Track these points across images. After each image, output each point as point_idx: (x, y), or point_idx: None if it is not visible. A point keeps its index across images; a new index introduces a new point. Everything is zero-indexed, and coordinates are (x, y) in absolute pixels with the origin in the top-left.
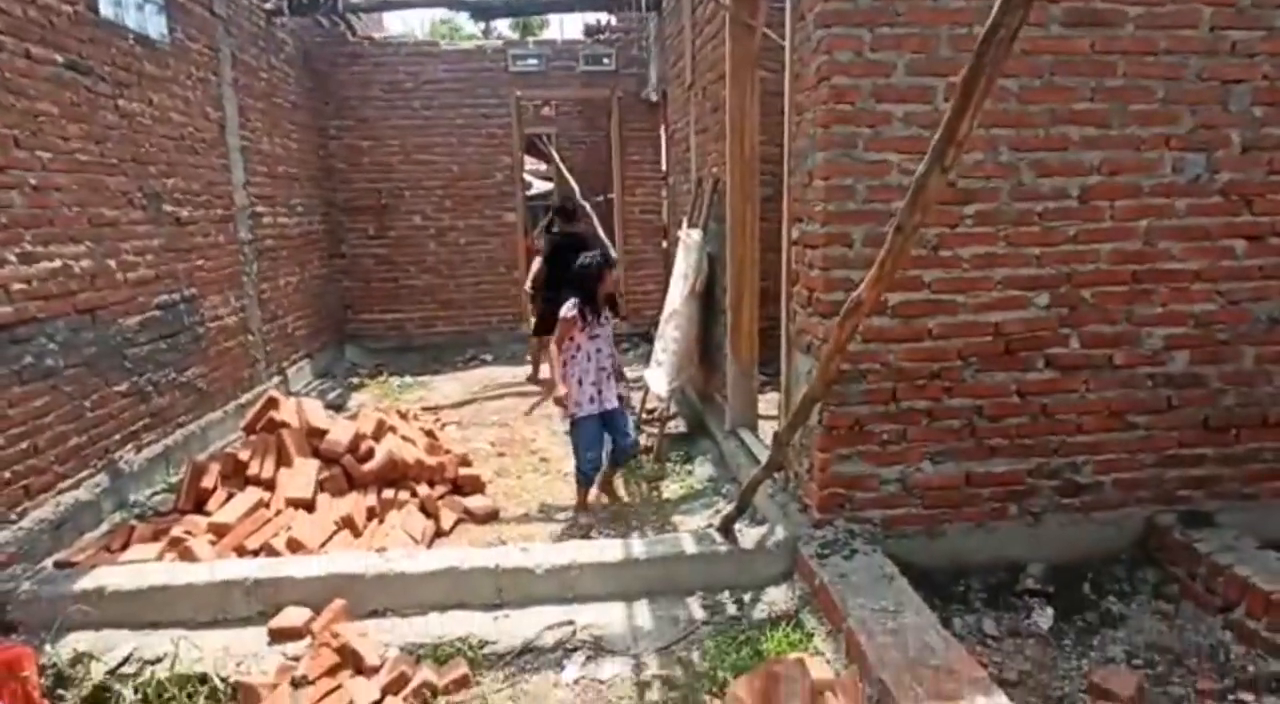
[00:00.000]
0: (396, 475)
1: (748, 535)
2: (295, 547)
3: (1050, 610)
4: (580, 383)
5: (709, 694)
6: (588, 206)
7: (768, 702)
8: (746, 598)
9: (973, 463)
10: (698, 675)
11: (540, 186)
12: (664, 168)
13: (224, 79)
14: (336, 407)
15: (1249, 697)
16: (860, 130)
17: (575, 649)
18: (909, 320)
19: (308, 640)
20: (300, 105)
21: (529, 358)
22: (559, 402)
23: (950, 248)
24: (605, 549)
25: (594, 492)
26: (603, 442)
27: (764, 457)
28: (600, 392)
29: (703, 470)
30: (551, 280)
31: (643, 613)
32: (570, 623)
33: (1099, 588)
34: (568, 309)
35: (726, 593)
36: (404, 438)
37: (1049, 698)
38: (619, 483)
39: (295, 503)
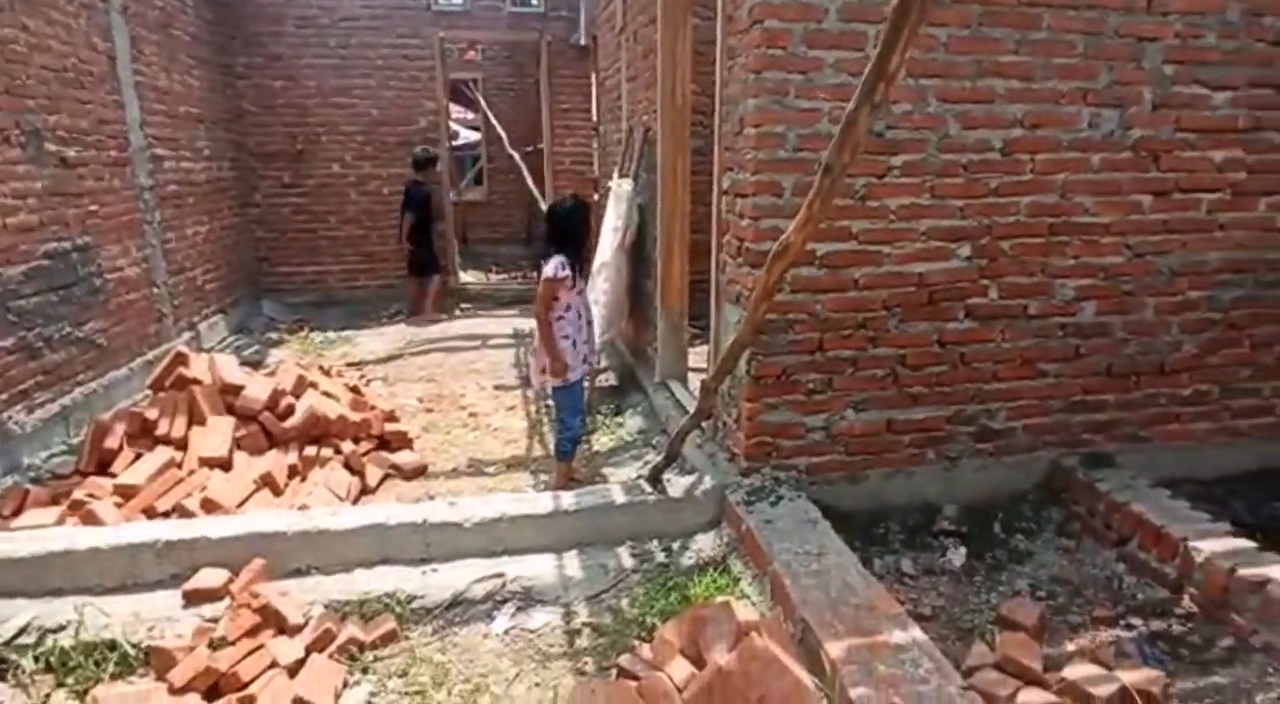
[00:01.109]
0: (319, 432)
1: (676, 485)
2: (211, 507)
3: (963, 549)
4: (575, 345)
5: (638, 639)
6: (517, 157)
7: (695, 644)
8: (675, 546)
9: (894, 411)
10: (627, 622)
11: (468, 136)
12: (595, 117)
13: (112, 5)
14: (254, 363)
15: (1138, 621)
16: (792, 77)
17: (505, 600)
18: (836, 270)
19: (226, 602)
20: (202, 38)
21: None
22: (554, 372)
23: (878, 198)
24: (534, 501)
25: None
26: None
27: (693, 408)
28: (590, 349)
29: (633, 423)
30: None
31: (572, 563)
32: (500, 575)
33: (1008, 527)
34: (557, 269)
35: (655, 541)
36: (326, 394)
37: (960, 630)
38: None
39: (210, 462)
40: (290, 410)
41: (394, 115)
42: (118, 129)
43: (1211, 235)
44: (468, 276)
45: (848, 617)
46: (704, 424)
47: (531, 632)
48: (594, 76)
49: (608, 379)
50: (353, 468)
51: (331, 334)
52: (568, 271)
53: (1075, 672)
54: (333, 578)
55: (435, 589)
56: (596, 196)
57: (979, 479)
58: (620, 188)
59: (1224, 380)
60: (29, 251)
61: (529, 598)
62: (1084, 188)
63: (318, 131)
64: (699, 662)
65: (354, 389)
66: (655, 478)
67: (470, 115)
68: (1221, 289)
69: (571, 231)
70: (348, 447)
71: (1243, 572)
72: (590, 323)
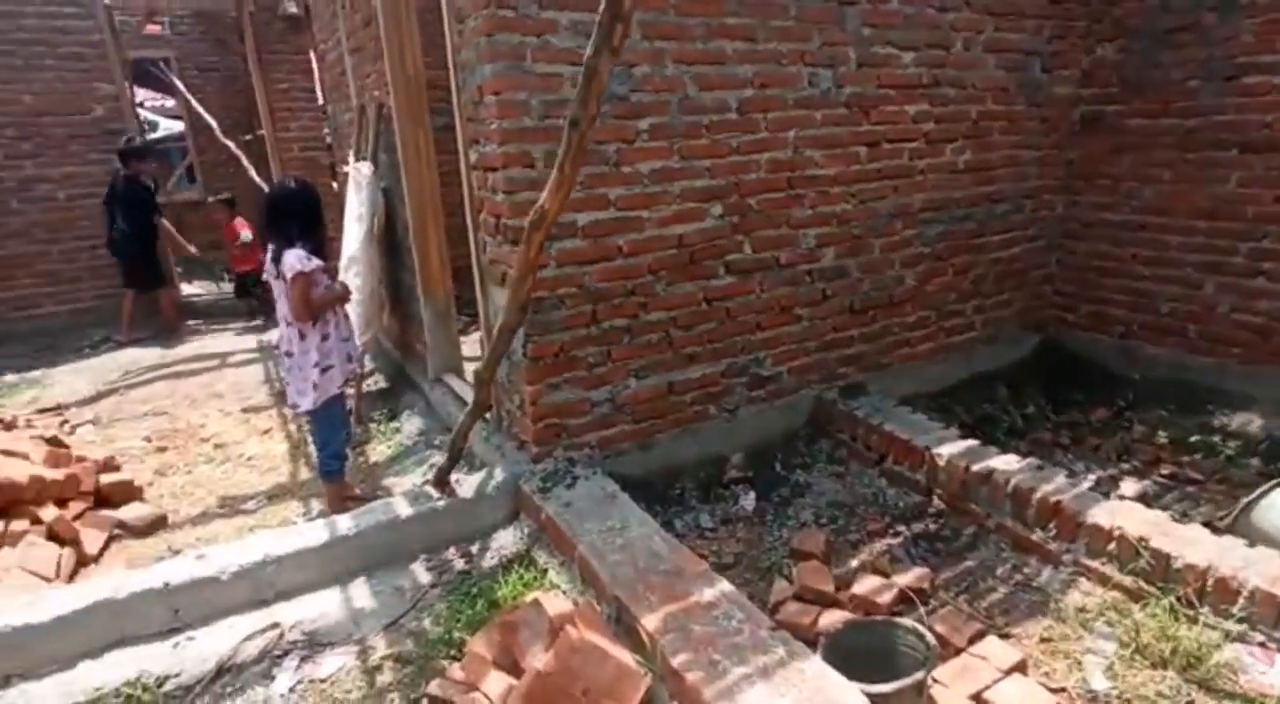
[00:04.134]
0: (2, 502)
1: (466, 484)
2: None
3: (752, 493)
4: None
5: (448, 659)
6: (233, 147)
7: (509, 652)
8: (474, 549)
9: (673, 372)
10: (432, 643)
11: (171, 127)
12: (321, 96)
13: None
14: None
15: (902, 527)
16: (527, 39)
17: (285, 653)
18: (599, 240)
19: None
20: None
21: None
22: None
23: (630, 163)
24: (304, 534)
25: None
26: None
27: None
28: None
29: (411, 425)
30: (114, 234)
31: (362, 593)
32: (275, 626)
33: (787, 464)
34: (303, 261)
35: (453, 549)
36: (7, 453)
37: (761, 570)
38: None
39: None
40: None
41: (58, 102)
42: None
43: (914, 180)
44: (192, 288)
45: (658, 585)
46: (488, 416)
47: (323, 681)
48: (313, 51)
49: (376, 382)
50: (61, 537)
51: (12, 376)
52: (316, 262)
53: (862, 586)
54: (47, 682)
55: (193, 661)
56: (336, 185)
57: (757, 424)
58: (359, 172)
59: (937, 305)
60: None
61: (314, 644)
62: (811, 142)
63: None
64: (516, 670)
65: (52, 440)
66: (442, 481)
67: (170, 102)
68: (927, 226)
69: (299, 219)
70: (49, 513)
71: (974, 467)
72: (347, 320)
